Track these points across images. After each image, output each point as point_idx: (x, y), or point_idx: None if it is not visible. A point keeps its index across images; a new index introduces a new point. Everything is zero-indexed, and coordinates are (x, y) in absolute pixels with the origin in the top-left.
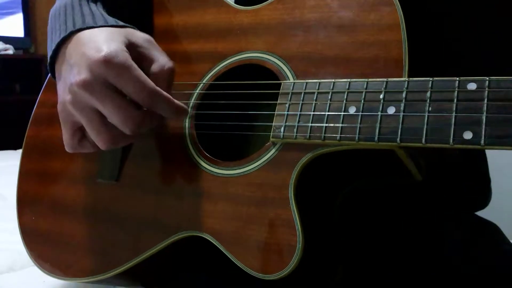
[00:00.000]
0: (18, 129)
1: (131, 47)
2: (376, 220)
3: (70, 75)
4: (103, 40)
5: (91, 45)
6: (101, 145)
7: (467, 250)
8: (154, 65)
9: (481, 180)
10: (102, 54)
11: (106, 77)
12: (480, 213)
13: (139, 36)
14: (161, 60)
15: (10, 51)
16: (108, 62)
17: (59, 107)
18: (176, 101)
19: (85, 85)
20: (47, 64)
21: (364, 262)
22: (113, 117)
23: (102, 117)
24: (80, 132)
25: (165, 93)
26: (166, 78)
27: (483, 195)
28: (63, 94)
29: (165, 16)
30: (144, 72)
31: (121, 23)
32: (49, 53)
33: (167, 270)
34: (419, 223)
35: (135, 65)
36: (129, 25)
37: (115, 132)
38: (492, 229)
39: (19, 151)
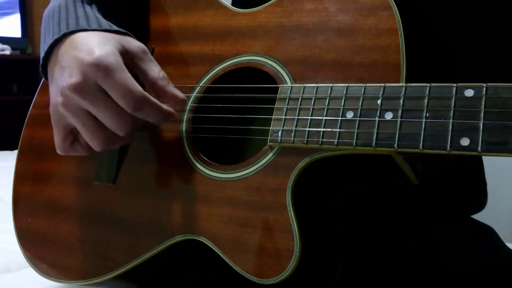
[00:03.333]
0: (15, 129)
1: (125, 54)
2: (373, 223)
3: (62, 78)
4: (96, 44)
5: (83, 48)
6: (96, 147)
7: (463, 253)
8: (148, 76)
9: (477, 184)
10: (93, 57)
11: (97, 80)
12: (476, 216)
13: (134, 45)
14: (154, 70)
15: (7, 51)
16: (98, 64)
17: (51, 109)
18: (164, 106)
19: (77, 88)
20: (40, 65)
21: (362, 265)
22: (107, 120)
23: (95, 119)
24: (72, 135)
25: (152, 98)
26: (165, 85)
27: (479, 198)
28: (55, 96)
29: (162, 18)
30: (137, 81)
31: (115, 27)
32: (42, 54)
33: (164, 273)
34: (415, 227)
35: (124, 68)
36: (123, 31)
37: (109, 133)
38: (488, 232)
39: (16, 152)
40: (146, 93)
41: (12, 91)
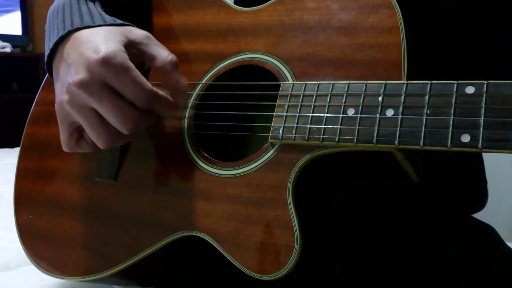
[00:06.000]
0: (15, 127)
1: (130, 45)
2: (373, 221)
3: (68, 75)
4: (102, 40)
5: (89, 45)
6: (101, 144)
7: (463, 252)
8: (157, 60)
9: (477, 182)
10: (100, 55)
11: (104, 78)
12: (476, 215)
13: (138, 33)
14: (162, 54)
15: (8, 49)
16: (106, 63)
17: (56, 106)
18: (171, 99)
19: (83, 85)
20: (45, 63)
21: (361, 263)
22: (111, 117)
23: (100, 116)
24: (77, 132)
25: (161, 93)
26: (172, 70)
27: (480, 197)
28: (61, 93)
29: (164, 15)
30: (147, 68)
31: (119, 21)
32: (47, 52)
33: (165, 270)
34: (416, 225)
35: (133, 66)
36: (127, 23)
37: (114, 131)
38: (488, 231)
39: (16, 149)
40: (155, 89)
41: (12, 89)
